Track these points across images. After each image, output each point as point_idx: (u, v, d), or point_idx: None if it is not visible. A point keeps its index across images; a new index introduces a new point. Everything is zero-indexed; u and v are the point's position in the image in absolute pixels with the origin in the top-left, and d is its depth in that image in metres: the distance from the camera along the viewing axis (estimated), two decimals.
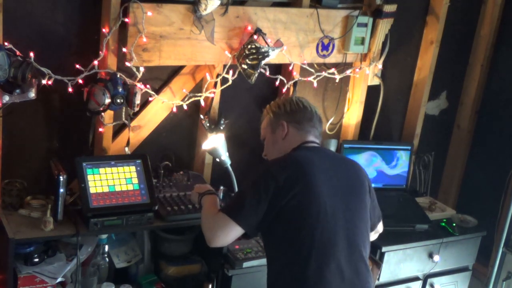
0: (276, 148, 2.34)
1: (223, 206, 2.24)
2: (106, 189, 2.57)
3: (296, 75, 3.13)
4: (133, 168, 2.66)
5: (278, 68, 3.13)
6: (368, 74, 3.40)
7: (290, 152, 2.28)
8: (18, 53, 2.42)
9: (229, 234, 2.14)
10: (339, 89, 3.43)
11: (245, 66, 2.85)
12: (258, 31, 2.88)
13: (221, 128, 3.00)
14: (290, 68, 3.09)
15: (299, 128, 2.33)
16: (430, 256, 3.32)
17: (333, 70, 3.24)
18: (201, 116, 2.99)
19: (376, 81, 3.51)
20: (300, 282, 2.12)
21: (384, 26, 3.30)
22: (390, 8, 3.24)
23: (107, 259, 2.73)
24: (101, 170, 2.59)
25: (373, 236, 2.46)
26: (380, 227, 2.49)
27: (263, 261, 2.78)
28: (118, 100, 2.62)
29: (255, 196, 2.12)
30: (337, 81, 3.27)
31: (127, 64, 2.65)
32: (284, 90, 3.12)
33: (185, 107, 2.90)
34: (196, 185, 2.58)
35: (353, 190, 2.27)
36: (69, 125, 2.76)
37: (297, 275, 2.12)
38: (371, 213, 2.35)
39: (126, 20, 2.58)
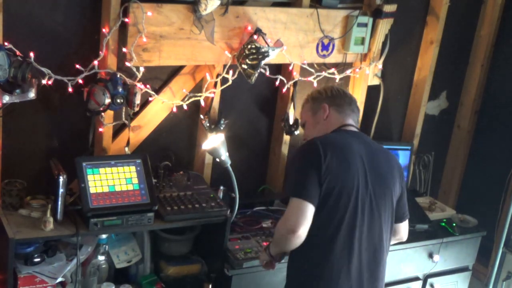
0: (317, 129, 2.40)
1: (289, 192, 2.24)
2: (106, 189, 2.56)
3: (296, 75, 3.13)
4: (133, 168, 2.65)
5: (278, 68, 3.13)
6: (368, 74, 3.40)
7: (331, 133, 2.34)
8: (18, 53, 2.42)
9: (305, 214, 2.15)
10: None
11: (245, 66, 2.85)
12: (258, 31, 2.88)
13: (221, 128, 2.99)
14: (290, 68, 3.09)
15: (339, 111, 2.40)
16: (430, 256, 3.32)
17: (333, 70, 3.24)
18: (201, 116, 2.99)
19: (376, 81, 3.51)
20: (324, 264, 2.19)
21: (384, 26, 3.30)
22: (390, 8, 3.24)
23: (107, 259, 2.73)
24: (101, 170, 2.59)
25: (392, 241, 2.46)
26: (404, 233, 2.47)
27: None
28: (118, 100, 2.62)
29: (309, 170, 2.18)
30: (337, 81, 3.27)
31: (127, 64, 2.65)
32: (284, 90, 3.12)
33: (185, 107, 2.90)
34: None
35: (383, 180, 2.31)
36: (69, 125, 2.76)
37: (321, 258, 2.19)
38: (398, 207, 2.37)
39: (126, 20, 2.58)
